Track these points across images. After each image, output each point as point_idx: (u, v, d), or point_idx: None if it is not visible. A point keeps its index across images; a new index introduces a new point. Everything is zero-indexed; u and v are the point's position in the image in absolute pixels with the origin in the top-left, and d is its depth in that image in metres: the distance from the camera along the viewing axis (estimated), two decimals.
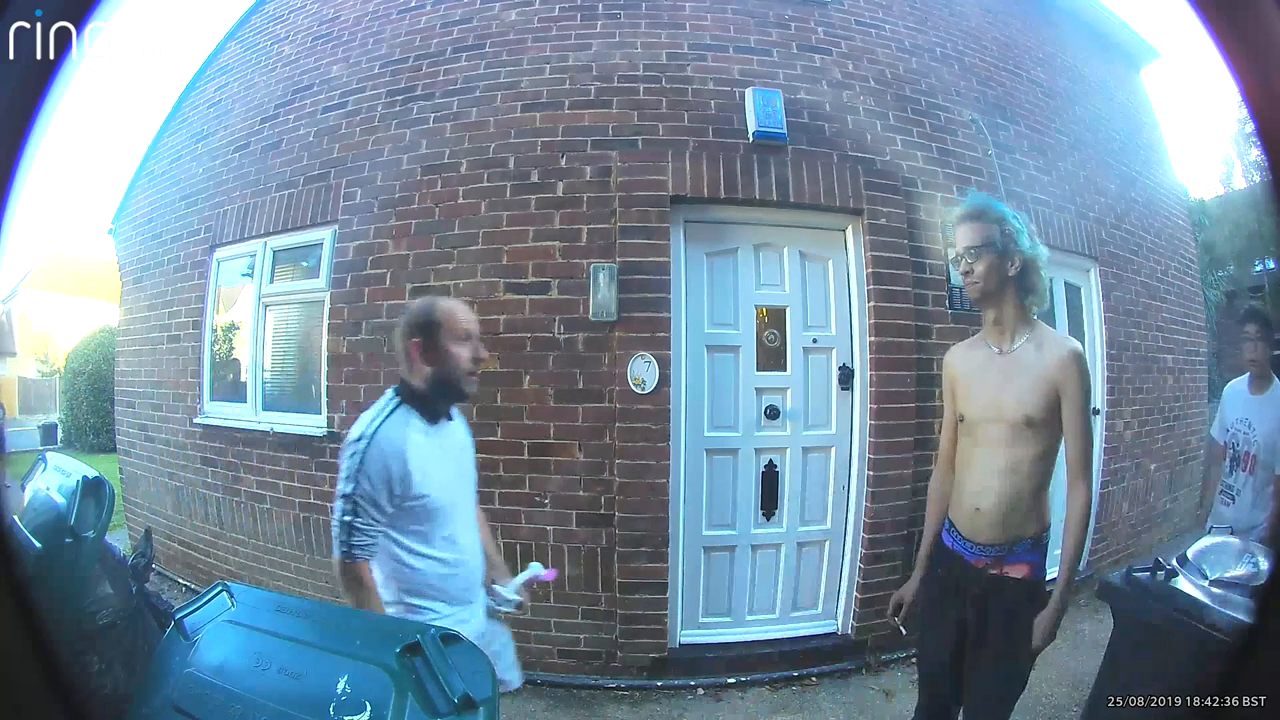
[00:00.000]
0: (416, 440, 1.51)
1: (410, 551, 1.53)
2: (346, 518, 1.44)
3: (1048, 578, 1.72)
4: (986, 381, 1.73)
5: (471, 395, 1.62)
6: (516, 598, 1.73)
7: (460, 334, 1.55)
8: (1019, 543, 1.68)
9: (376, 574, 1.53)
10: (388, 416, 1.52)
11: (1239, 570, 1.88)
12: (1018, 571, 1.67)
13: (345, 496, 1.44)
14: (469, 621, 1.58)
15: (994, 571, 1.69)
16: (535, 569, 1.78)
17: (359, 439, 1.47)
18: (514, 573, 1.79)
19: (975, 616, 1.70)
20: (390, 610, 1.54)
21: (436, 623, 1.48)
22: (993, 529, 1.69)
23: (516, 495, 3.06)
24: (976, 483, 1.73)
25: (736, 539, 3.22)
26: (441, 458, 1.57)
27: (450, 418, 1.65)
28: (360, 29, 3.81)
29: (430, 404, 1.57)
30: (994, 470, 1.70)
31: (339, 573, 1.47)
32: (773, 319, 3.30)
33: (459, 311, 1.58)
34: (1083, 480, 1.65)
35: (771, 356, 3.27)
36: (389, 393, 1.58)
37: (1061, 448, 1.68)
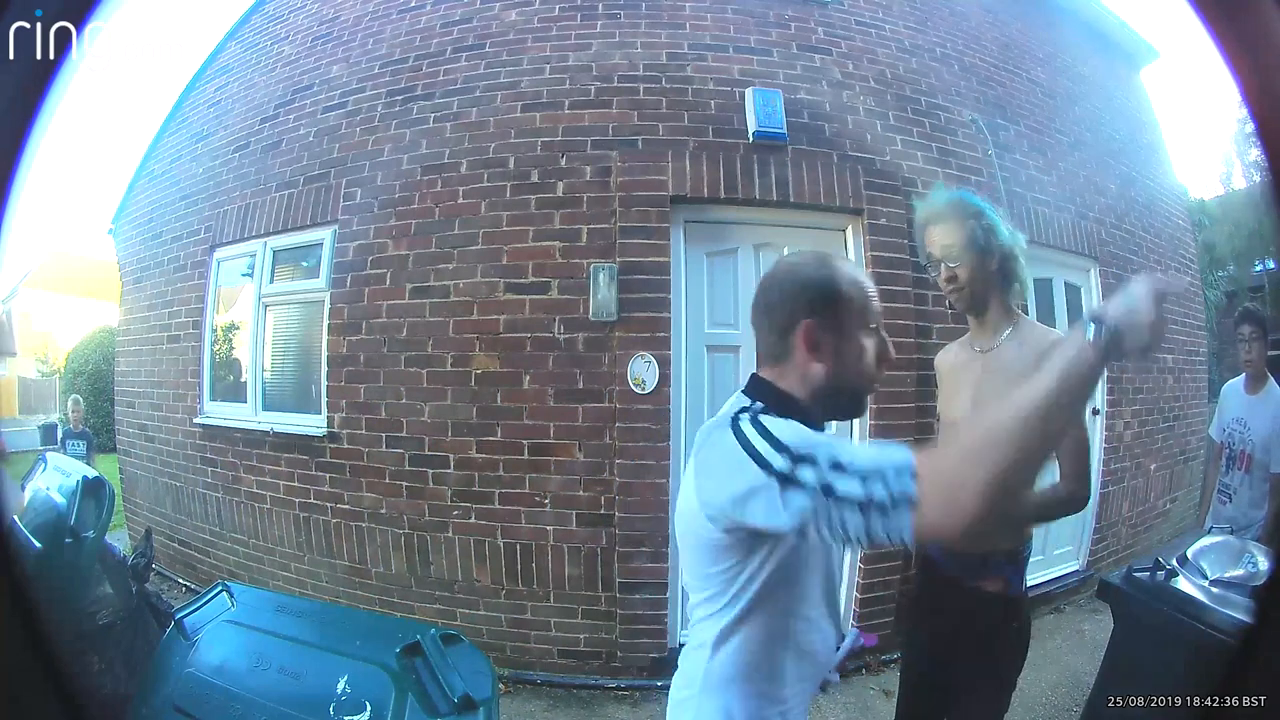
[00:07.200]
0: None
1: (795, 615, 1.01)
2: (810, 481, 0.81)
3: (1032, 584, 1.66)
4: (965, 382, 1.66)
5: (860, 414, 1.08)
6: (834, 675, 1.20)
7: (872, 319, 1.03)
8: (994, 554, 1.57)
9: (730, 655, 0.99)
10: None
11: (1239, 570, 1.88)
12: (993, 585, 1.58)
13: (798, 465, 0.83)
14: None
15: (969, 585, 1.60)
16: (853, 636, 1.25)
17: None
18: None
19: (950, 630, 1.62)
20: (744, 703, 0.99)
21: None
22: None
23: (516, 495, 3.06)
24: None
25: None
26: None
27: None
28: (360, 29, 3.81)
29: (813, 420, 0.98)
30: None
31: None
32: None
33: (869, 284, 1.04)
34: (1076, 483, 1.53)
35: None
36: (739, 399, 1.03)
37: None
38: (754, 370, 1.07)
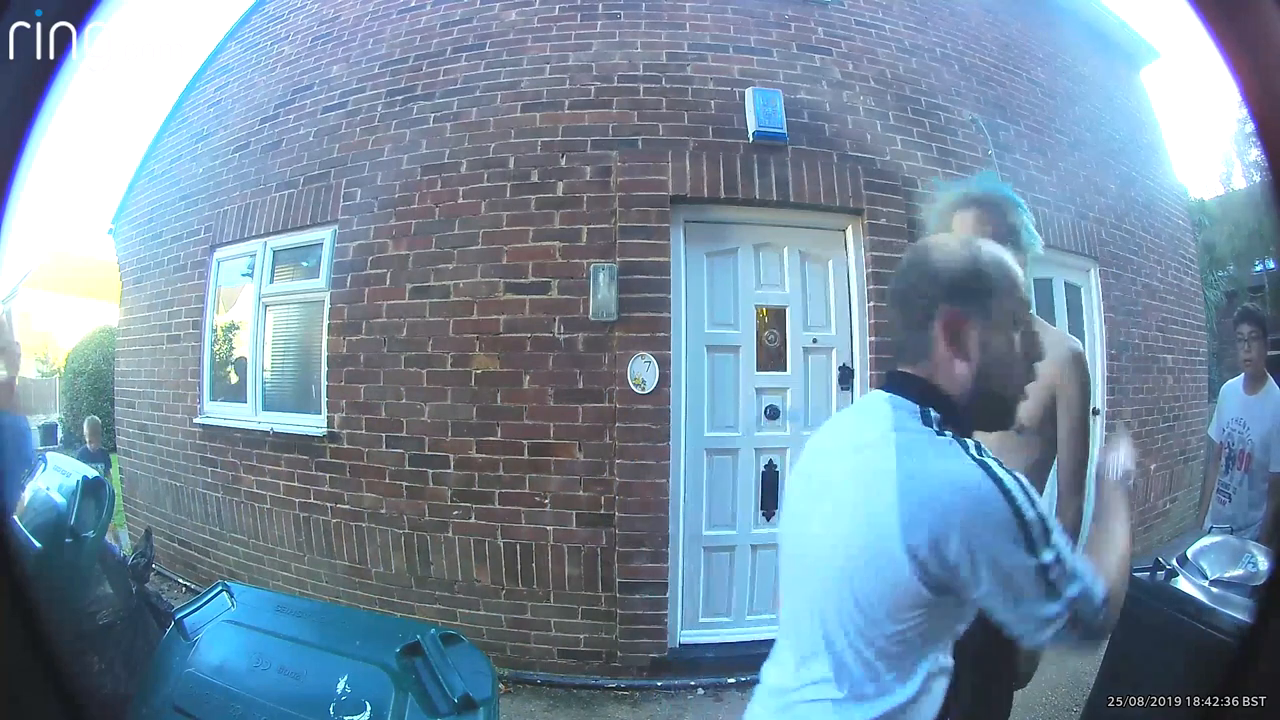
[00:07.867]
0: None
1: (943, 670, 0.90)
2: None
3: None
4: None
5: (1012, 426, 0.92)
6: None
7: (1023, 310, 0.88)
8: None
9: None
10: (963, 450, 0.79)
11: (1239, 570, 1.88)
12: None
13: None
14: None
15: None
16: None
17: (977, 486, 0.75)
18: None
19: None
20: None
21: None
22: None
23: (516, 495, 3.06)
24: None
25: (736, 539, 3.22)
26: None
27: None
28: (360, 29, 3.81)
29: (966, 430, 0.85)
30: None
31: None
32: (773, 319, 3.30)
33: (1017, 269, 0.89)
34: (1074, 494, 1.50)
35: (771, 356, 3.27)
36: (900, 403, 0.85)
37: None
38: (898, 368, 0.89)
